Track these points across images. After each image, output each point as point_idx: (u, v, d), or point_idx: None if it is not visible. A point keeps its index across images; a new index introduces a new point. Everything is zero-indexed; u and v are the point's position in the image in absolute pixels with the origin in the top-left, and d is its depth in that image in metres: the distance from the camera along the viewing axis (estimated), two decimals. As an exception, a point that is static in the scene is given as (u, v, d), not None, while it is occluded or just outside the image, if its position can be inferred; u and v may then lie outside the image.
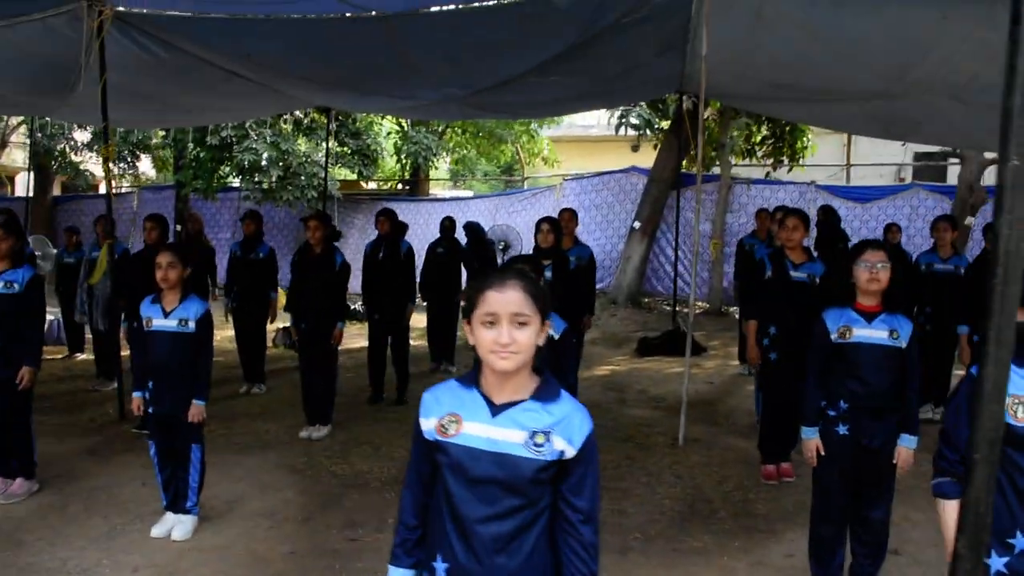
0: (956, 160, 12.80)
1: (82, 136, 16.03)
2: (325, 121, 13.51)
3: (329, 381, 5.95)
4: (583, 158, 18.99)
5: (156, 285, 4.02)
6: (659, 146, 12.11)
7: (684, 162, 11.83)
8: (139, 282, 4.91)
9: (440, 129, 15.70)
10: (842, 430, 3.34)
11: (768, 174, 12.72)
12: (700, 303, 11.61)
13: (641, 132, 11.61)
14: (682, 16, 5.86)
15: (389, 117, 14.63)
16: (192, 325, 4.02)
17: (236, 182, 14.05)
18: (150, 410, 4.11)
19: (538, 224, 5.78)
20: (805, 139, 12.85)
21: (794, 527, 4.26)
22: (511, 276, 1.80)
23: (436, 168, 15.26)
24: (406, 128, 15.09)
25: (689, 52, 6.54)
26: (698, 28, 5.94)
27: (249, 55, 6.59)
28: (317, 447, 5.59)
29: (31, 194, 13.23)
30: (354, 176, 14.10)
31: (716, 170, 12.53)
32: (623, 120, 11.78)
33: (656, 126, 11.35)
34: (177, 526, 4.10)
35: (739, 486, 4.86)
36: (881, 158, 15.05)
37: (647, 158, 17.67)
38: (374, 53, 6.38)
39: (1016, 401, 2.08)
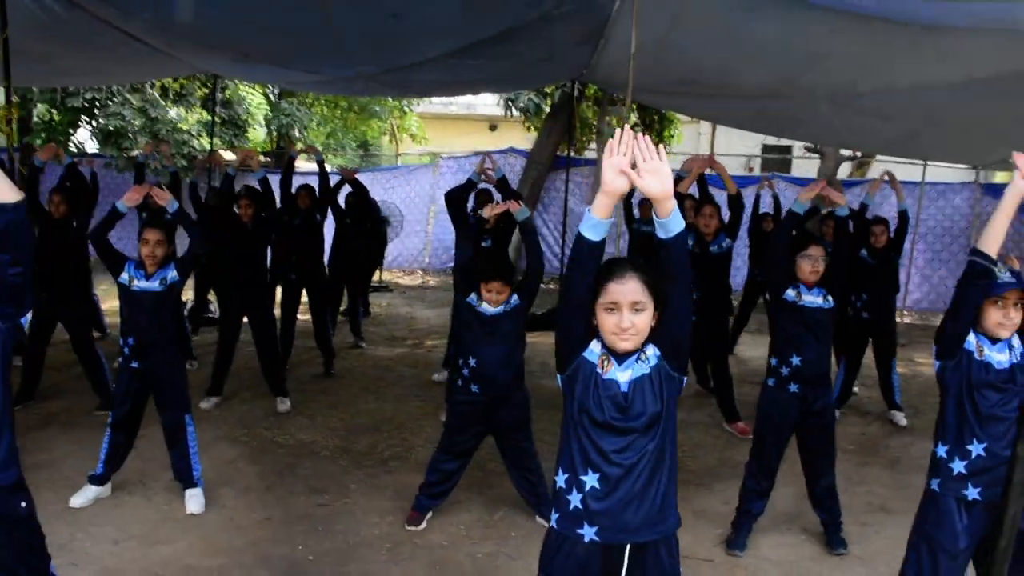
0: (803, 155, 14.04)
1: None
2: (197, 87, 13.01)
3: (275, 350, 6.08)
4: (442, 136, 19.15)
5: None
6: (539, 129, 12.52)
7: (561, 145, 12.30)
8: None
9: (310, 101, 15.41)
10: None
11: (635, 160, 13.44)
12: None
13: (530, 114, 11.96)
14: (604, 13, 6.25)
15: (257, 87, 14.22)
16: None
17: (94, 148, 13.23)
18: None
19: (480, 199, 6.10)
20: (672, 129, 13.68)
21: (722, 479, 4.80)
22: (630, 269, 2.11)
23: (306, 141, 14.99)
24: (272, 99, 14.72)
25: (601, 46, 6.95)
26: (616, 26, 6.37)
27: (162, 18, 6.38)
28: (252, 419, 5.60)
29: None
30: (224, 146, 13.63)
31: (590, 155, 13.10)
32: (511, 102, 12.08)
33: (541, 110, 11.71)
34: (192, 499, 4.14)
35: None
36: (732, 149, 16.18)
37: (505, 139, 18.16)
38: (299, 30, 6.34)
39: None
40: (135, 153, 11.85)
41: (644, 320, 2.11)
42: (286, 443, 5.18)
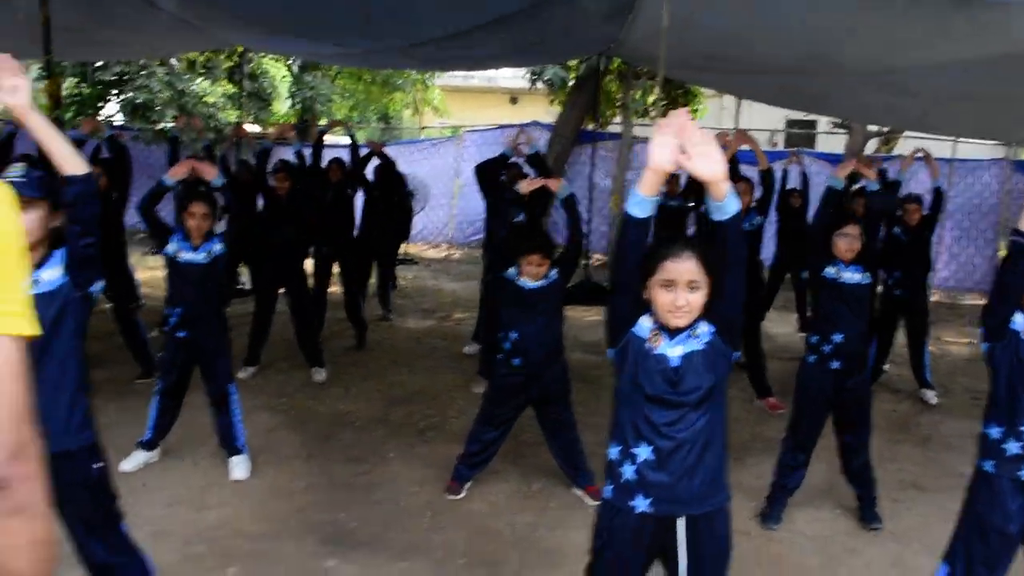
0: (828, 130, 13.93)
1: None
2: (223, 60, 13.06)
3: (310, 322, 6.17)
4: (463, 109, 19.13)
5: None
6: (563, 103, 12.49)
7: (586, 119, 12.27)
8: None
9: (332, 74, 15.43)
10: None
11: (659, 134, 13.39)
12: (599, 255, 12.19)
13: (554, 87, 11.91)
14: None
15: (280, 59, 14.25)
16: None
17: (121, 120, 13.31)
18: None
19: (512, 174, 6.19)
20: (696, 103, 13.60)
21: (754, 454, 4.85)
22: (687, 247, 2.15)
23: (330, 114, 15.02)
24: (294, 72, 14.74)
25: (629, 21, 6.93)
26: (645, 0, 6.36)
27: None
28: (289, 389, 5.70)
29: None
30: (249, 119, 13.71)
31: (614, 128, 13.05)
32: (537, 75, 12.05)
33: (566, 83, 11.64)
34: (237, 466, 4.24)
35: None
36: (755, 124, 16.08)
37: (527, 112, 18.09)
38: (328, 3, 6.36)
39: None
40: (164, 126, 11.95)
41: (699, 298, 2.15)
42: (324, 413, 5.28)
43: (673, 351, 2.17)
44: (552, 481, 4.32)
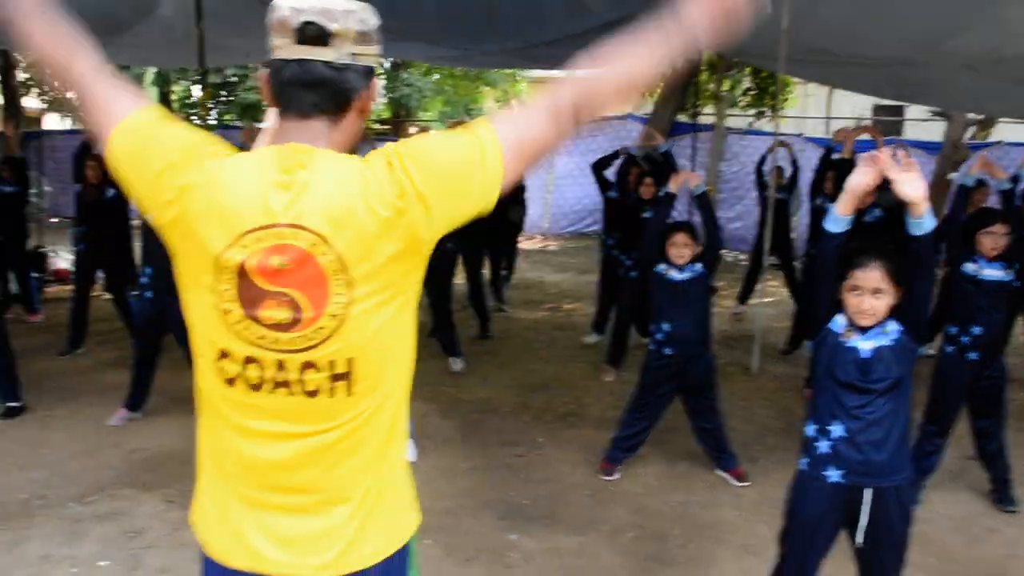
0: (916, 117, 13.78)
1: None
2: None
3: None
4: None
5: None
6: (656, 96, 12.67)
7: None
8: None
9: (424, 70, 15.89)
10: None
11: (751, 124, 13.48)
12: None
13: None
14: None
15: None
16: None
17: (236, 122, 14.02)
18: None
19: (629, 168, 6.46)
20: (787, 92, 13.62)
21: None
22: (875, 257, 2.47)
23: (426, 110, 15.54)
24: (385, 70, 15.23)
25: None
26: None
27: None
28: (430, 378, 6.10)
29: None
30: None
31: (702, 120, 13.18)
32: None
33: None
34: (407, 449, 4.62)
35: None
36: (841, 111, 15.94)
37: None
38: (458, 11, 6.72)
39: None
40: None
41: (883, 303, 2.47)
42: (468, 400, 5.69)
43: (865, 344, 2.50)
44: (695, 464, 4.63)
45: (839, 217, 2.44)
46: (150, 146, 1.37)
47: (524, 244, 13.33)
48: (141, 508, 3.97)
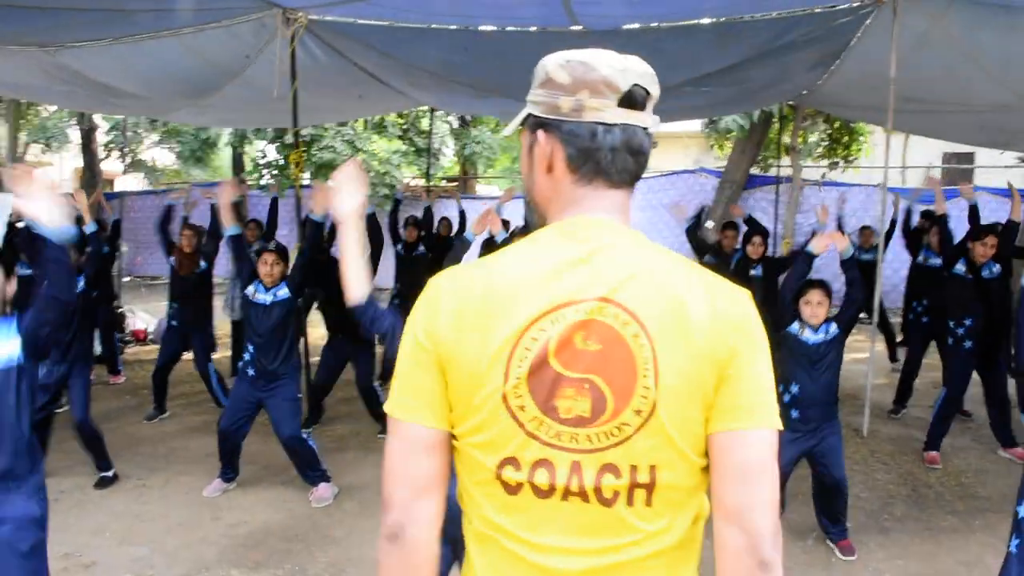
0: (986, 164, 13.37)
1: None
2: (395, 118, 13.78)
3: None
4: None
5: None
6: (732, 148, 12.54)
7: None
8: None
9: (492, 125, 16.00)
10: None
11: (824, 175, 13.21)
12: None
13: (732, 132, 11.95)
14: (847, 36, 6.27)
15: (441, 114, 14.91)
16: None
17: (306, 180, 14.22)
18: None
19: (725, 231, 6.27)
20: (861, 143, 13.36)
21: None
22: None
23: (493, 167, 15.58)
24: (453, 126, 15.38)
25: (834, 68, 6.97)
26: (854, 49, 6.41)
27: (417, 58, 6.85)
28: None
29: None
30: (419, 174, 14.37)
31: (775, 172, 12.97)
32: (714, 122, 12.13)
33: (744, 130, 11.56)
34: None
35: (947, 472, 5.31)
36: (910, 160, 15.59)
37: (665, 156, 18.10)
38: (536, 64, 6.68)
39: None
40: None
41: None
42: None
43: None
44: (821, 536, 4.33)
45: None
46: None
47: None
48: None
